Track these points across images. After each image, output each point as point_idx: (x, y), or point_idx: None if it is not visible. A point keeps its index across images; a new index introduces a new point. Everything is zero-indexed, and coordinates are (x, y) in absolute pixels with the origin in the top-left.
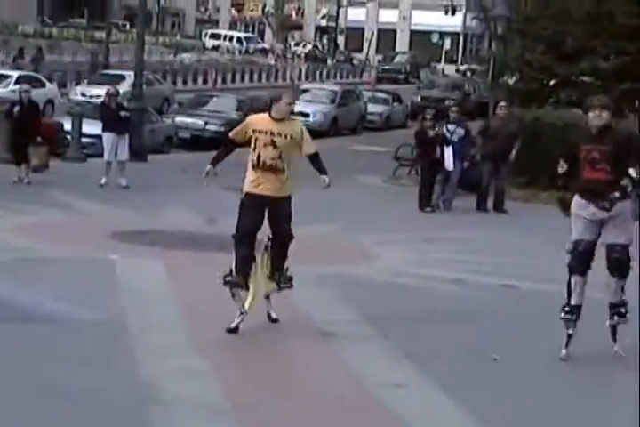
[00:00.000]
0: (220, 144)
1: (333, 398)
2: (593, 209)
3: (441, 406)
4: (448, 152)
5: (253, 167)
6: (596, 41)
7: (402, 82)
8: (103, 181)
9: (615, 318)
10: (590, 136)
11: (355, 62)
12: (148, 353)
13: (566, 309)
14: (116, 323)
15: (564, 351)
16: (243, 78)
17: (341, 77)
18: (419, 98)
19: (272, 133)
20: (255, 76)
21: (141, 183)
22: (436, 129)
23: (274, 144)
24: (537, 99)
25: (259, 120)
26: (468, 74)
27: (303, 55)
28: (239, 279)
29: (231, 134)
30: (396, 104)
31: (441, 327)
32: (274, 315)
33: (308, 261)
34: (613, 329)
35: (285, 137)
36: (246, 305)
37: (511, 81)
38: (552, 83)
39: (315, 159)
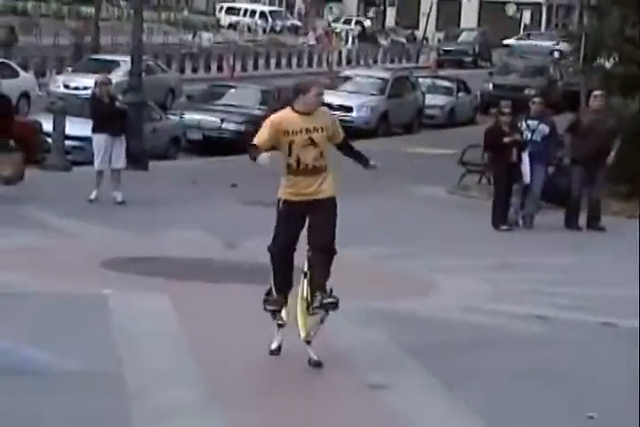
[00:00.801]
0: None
1: None
2: None
3: None
4: (525, 160)
5: (292, 173)
6: None
7: (469, 66)
8: (93, 195)
9: None
10: None
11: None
12: (149, 413)
13: None
14: (111, 375)
15: None
16: (268, 64)
17: (392, 61)
18: (491, 86)
19: (308, 130)
20: (284, 61)
21: (141, 197)
22: (515, 135)
23: (313, 143)
24: None
25: (286, 119)
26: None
27: (354, 34)
28: (280, 301)
29: (257, 143)
30: (461, 94)
31: (519, 378)
32: (315, 357)
33: (354, 294)
34: None
35: (322, 131)
36: (284, 315)
37: (609, 63)
38: None
39: (346, 147)
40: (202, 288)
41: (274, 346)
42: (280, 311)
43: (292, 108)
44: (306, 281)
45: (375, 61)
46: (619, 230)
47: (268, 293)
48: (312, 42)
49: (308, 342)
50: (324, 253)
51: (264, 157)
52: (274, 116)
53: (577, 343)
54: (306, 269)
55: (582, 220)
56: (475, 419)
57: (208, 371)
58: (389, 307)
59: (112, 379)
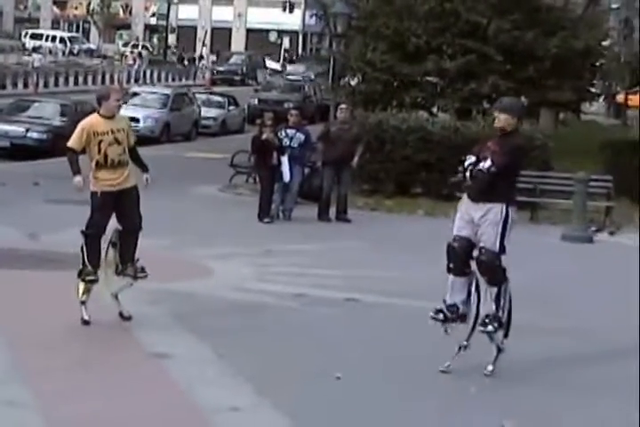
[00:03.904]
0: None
1: (166, 424)
2: None
3: None
4: (285, 163)
5: (100, 167)
6: (441, 39)
7: (238, 84)
8: None
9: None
10: None
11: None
12: None
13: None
14: None
15: (447, 363)
16: (67, 82)
17: (173, 80)
18: (256, 101)
19: (113, 131)
20: (80, 79)
21: None
22: (267, 134)
23: (117, 141)
24: (380, 101)
25: (94, 124)
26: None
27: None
28: (95, 274)
29: (71, 144)
30: (232, 108)
31: (280, 346)
32: (126, 313)
33: None
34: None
35: (123, 131)
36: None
37: (353, 82)
38: (396, 84)
39: (134, 151)
40: (8, 274)
41: (86, 316)
42: (96, 281)
43: (98, 113)
44: (113, 250)
45: (159, 79)
46: (362, 222)
47: (81, 271)
48: (130, 62)
49: (116, 297)
50: (133, 231)
51: (78, 180)
52: (84, 122)
53: (326, 316)
54: (114, 240)
55: (332, 213)
56: (243, 383)
57: (16, 347)
58: (171, 287)
59: None
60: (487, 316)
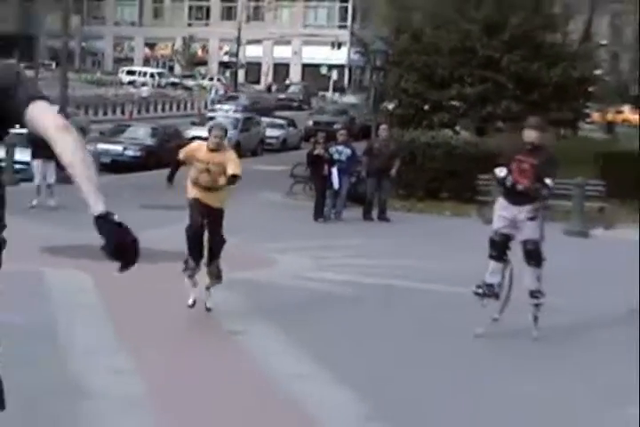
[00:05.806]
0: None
1: (244, 390)
2: None
3: (338, 394)
4: (334, 172)
5: (193, 183)
6: (462, 70)
7: (296, 109)
8: (34, 202)
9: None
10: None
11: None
12: (75, 352)
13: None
14: (45, 325)
15: (480, 329)
16: (156, 109)
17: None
18: (311, 122)
19: (208, 162)
20: (167, 107)
21: (68, 204)
22: (319, 150)
23: (208, 171)
24: (413, 122)
25: (198, 149)
26: None
27: (217, 88)
28: (192, 269)
29: (180, 156)
30: (291, 128)
31: (336, 323)
32: (209, 304)
33: None
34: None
35: (219, 165)
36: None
37: (390, 106)
38: (426, 107)
39: (233, 178)
40: (116, 267)
41: (190, 302)
42: (195, 275)
43: (207, 145)
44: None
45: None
46: (400, 221)
47: (186, 261)
48: (221, 91)
49: (208, 289)
50: (215, 248)
51: (169, 185)
52: (197, 143)
53: (374, 299)
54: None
55: (374, 214)
56: (306, 355)
57: (121, 325)
58: (242, 276)
59: (47, 329)
60: (536, 291)
